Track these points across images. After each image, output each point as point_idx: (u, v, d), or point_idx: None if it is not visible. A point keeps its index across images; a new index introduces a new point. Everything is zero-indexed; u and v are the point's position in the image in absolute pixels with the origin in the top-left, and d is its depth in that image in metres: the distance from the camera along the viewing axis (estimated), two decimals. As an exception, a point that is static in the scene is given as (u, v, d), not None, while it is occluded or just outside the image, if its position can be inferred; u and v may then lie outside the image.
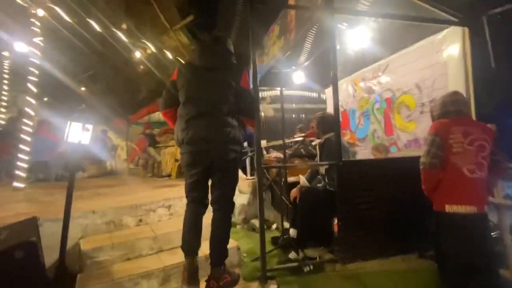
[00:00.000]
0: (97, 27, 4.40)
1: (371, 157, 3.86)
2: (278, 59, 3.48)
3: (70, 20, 4.05)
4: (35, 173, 5.03)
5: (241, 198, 3.42)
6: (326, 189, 2.28)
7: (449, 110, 1.66)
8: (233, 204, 1.79)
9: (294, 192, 2.42)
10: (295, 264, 2.06)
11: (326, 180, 2.34)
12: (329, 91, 4.84)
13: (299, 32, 2.80)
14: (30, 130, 3.57)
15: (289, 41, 3.07)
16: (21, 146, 3.54)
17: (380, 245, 2.12)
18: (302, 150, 3.43)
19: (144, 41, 5.43)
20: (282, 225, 2.73)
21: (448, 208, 1.57)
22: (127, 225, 2.41)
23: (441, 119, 1.67)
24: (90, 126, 1.95)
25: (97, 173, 6.15)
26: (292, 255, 2.17)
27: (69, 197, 1.86)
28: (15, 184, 3.52)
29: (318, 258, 2.13)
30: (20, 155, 3.54)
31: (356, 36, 3.40)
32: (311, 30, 3.47)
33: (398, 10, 2.37)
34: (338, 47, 3.39)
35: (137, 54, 5.59)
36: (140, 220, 2.49)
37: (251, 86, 1.89)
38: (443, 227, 1.61)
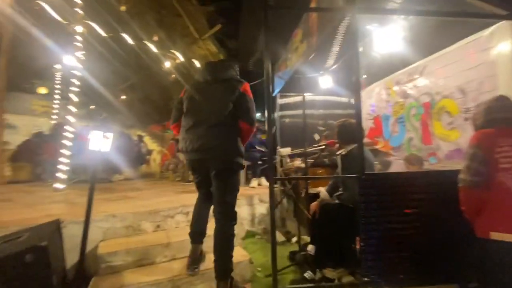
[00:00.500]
0: (131, 40, 4.71)
1: (406, 168, 3.52)
2: (301, 64, 3.36)
3: (106, 35, 4.38)
4: (78, 175, 5.52)
5: (260, 207, 3.32)
6: (348, 206, 2.09)
7: (495, 118, 1.40)
8: (233, 213, 1.77)
9: (313, 206, 2.26)
10: (310, 285, 1.89)
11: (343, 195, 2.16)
12: (359, 96, 4.56)
13: (322, 35, 2.65)
14: (70, 135, 3.91)
15: (312, 45, 2.93)
16: (63, 150, 3.88)
17: (410, 272, 1.85)
18: (325, 159, 3.23)
19: (174, 51, 5.69)
20: (299, 240, 2.57)
21: (495, 236, 1.31)
22: (145, 230, 2.45)
23: (485, 128, 1.41)
24: (110, 135, 2.03)
25: (132, 175, 6.54)
26: (308, 274, 2.00)
27: (89, 202, 1.95)
28: (56, 185, 3.85)
29: (336, 280, 1.94)
30: (61, 158, 3.88)
31: (388, 36, 3.14)
32: (337, 33, 3.29)
33: (434, 6, 2.11)
34: (361, 49, 3.16)
35: (168, 64, 5.85)
36: (158, 226, 2.53)
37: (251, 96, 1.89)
38: (489, 257, 1.35)
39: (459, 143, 2.79)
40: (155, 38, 5.26)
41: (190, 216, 2.68)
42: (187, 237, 2.24)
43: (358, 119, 1.98)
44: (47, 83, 9.06)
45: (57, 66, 7.16)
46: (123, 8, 4.45)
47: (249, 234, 3.08)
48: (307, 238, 2.62)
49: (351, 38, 1.99)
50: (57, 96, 7.56)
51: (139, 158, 7.05)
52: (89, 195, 1.89)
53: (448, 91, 2.90)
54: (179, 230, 2.50)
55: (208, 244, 1.85)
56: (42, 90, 9.78)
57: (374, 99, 4.33)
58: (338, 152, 3.10)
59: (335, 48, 4.20)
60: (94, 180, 1.97)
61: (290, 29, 3.72)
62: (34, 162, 5.62)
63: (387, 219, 1.86)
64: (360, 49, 3.03)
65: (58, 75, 7.34)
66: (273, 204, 1.74)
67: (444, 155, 2.94)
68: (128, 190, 4.15)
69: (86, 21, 4.07)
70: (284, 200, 3.57)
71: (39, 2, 4.25)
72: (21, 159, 5.70)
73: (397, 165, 3.63)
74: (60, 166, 3.87)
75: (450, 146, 2.88)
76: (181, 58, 5.73)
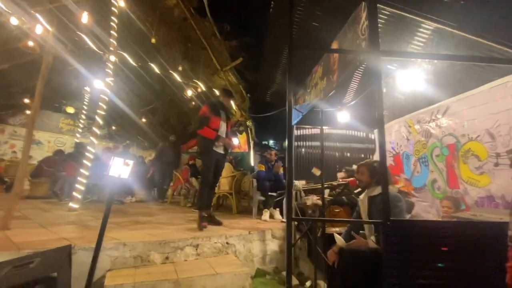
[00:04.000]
0: (158, 70, 4.98)
1: (432, 210, 3.31)
2: (321, 99, 3.40)
3: (135, 64, 4.66)
4: (92, 194, 5.57)
5: (273, 243, 3.16)
6: (374, 252, 1.94)
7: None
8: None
9: (331, 255, 2.11)
10: None
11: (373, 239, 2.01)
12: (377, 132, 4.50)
13: (343, 73, 2.70)
14: (90, 156, 4.02)
15: (332, 82, 2.98)
16: (81, 170, 3.97)
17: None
18: (343, 197, 3.09)
19: (196, 80, 5.93)
20: (315, 285, 2.38)
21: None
22: (154, 261, 2.37)
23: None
24: (130, 162, 2.06)
25: (145, 198, 6.53)
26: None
27: (102, 231, 1.91)
28: (71, 204, 3.89)
29: None
30: (79, 178, 3.95)
31: (409, 77, 3.13)
32: (357, 70, 3.35)
33: (457, 50, 2.11)
34: (384, 90, 3.16)
35: (189, 93, 6.08)
36: (167, 258, 2.44)
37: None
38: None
39: (489, 190, 2.61)
40: (180, 68, 5.56)
41: (200, 250, 2.64)
42: (196, 274, 2.15)
43: (382, 159, 1.88)
44: (75, 104, 9.64)
45: (87, 88, 7.62)
46: (153, 40, 4.79)
47: (260, 273, 2.90)
48: (323, 284, 2.42)
49: (373, 76, 1.99)
50: (83, 116, 7.96)
51: (152, 181, 7.09)
52: (102, 224, 1.86)
53: (475, 134, 2.79)
54: (188, 265, 2.39)
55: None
56: (70, 110, 10.38)
57: (393, 136, 4.24)
58: (357, 190, 2.97)
59: (354, 85, 4.26)
60: (109, 208, 1.96)
61: (310, 65, 3.84)
62: (52, 179, 5.75)
63: (415, 273, 1.70)
64: (384, 90, 3.05)
65: (86, 97, 7.78)
66: (291, 248, 1.64)
67: (474, 201, 2.75)
68: (139, 214, 4.11)
69: (119, 52, 4.36)
70: (298, 235, 3.39)
71: (80, 33, 4.65)
72: (40, 175, 5.86)
73: (421, 208, 3.42)
74: (77, 185, 3.94)
75: (480, 192, 2.70)
76: (202, 87, 5.97)
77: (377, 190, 2.15)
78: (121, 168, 2.00)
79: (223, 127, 3.46)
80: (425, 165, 3.56)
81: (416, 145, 3.74)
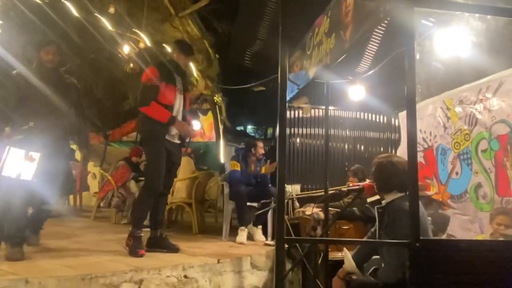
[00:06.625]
0: (75, 11, 4.76)
1: (473, 227, 3.51)
2: (326, 66, 3.44)
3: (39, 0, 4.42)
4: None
5: (253, 276, 3.24)
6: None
7: None
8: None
9: (336, 284, 2.21)
10: None
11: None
12: (404, 116, 4.65)
13: (359, 29, 2.75)
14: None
15: (344, 41, 3.02)
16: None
17: None
18: (354, 208, 3.23)
19: (136, 30, 5.75)
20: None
21: None
22: (73, 308, 2.33)
23: None
24: (36, 155, 1.99)
25: (55, 212, 6.31)
26: None
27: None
28: None
29: None
30: None
31: (450, 39, 3.26)
32: (377, 27, 3.44)
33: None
34: (417, 56, 3.28)
35: (126, 49, 5.90)
36: (94, 302, 2.41)
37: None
38: None
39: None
40: (111, 9, 5.33)
41: (144, 286, 2.63)
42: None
43: (412, 153, 1.94)
44: None
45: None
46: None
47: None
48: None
49: (403, 35, 2.03)
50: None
51: (68, 183, 6.87)
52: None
53: (536, 122, 3.00)
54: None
55: None
56: None
57: (425, 122, 4.41)
58: (371, 199, 3.10)
59: (373, 47, 4.37)
60: (3, 224, 1.89)
61: (311, 15, 3.86)
62: None
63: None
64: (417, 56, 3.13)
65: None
66: (282, 282, 1.69)
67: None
68: (49, 235, 3.97)
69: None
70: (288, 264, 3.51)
71: None
72: None
73: (460, 224, 3.63)
74: None
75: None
76: (146, 40, 5.80)
77: (388, 198, 2.28)
78: (21, 164, 1.94)
79: (179, 102, 3.40)
80: (467, 163, 3.76)
81: (457, 136, 3.92)
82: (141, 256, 3.01)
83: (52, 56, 3.12)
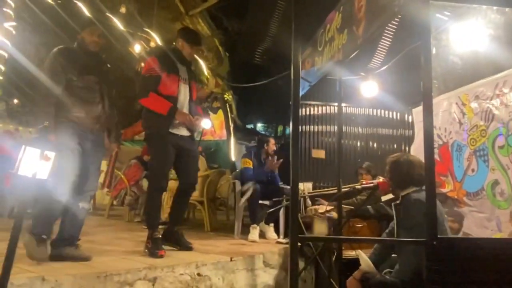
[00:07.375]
0: (87, 11, 4.81)
1: (490, 224, 3.46)
2: (339, 62, 3.40)
3: (51, 1, 4.48)
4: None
5: (266, 274, 3.24)
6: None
7: None
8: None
9: (351, 285, 2.20)
10: None
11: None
12: (418, 112, 4.59)
13: (373, 24, 2.71)
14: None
15: (356, 37, 2.98)
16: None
17: None
18: (369, 207, 3.19)
19: (147, 29, 5.78)
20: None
21: None
22: (89, 305, 2.36)
23: None
24: (51, 154, 2.00)
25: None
26: None
27: (9, 259, 1.87)
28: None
29: None
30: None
31: (467, 32, 3.20)
32: (393, 20, 3.38)
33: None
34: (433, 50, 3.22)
35: (137, 48, 5.95)
36: (109, 299, 2.43)
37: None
38: None
39: None
40: (123, 9, 5.37)
41: (159, 285, 2.65)
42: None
43: (429, 149, 1.90)
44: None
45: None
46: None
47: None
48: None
49: (418, 29, 1.99)
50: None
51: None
52: (8, 249, 1.81)
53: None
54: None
55: None
56: None
57: (440, 118, 4.35)
58: (385, 197, 3.07)
59: (386, 41, 4.30)
60: (20, 226, 1.90)
61: (323, 10, 3.82)
62: None
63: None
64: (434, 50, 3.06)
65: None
66: (296, 279, 1.68)
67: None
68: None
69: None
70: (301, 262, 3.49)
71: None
72: None
73: (476, 222, 3.58)
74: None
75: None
76: (157, 39, 5.83)
77: (404, 192, 2.31)
78: (37, 164, 1.95)
79: (183, 93, 3.24)
80: (483, 160, 3.69)
81: (473, 132, 3.86)
82: (161, 257, 2.93)
83: (98, 38, 2.88)
